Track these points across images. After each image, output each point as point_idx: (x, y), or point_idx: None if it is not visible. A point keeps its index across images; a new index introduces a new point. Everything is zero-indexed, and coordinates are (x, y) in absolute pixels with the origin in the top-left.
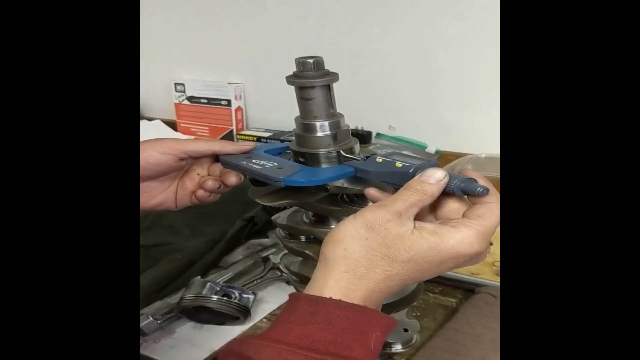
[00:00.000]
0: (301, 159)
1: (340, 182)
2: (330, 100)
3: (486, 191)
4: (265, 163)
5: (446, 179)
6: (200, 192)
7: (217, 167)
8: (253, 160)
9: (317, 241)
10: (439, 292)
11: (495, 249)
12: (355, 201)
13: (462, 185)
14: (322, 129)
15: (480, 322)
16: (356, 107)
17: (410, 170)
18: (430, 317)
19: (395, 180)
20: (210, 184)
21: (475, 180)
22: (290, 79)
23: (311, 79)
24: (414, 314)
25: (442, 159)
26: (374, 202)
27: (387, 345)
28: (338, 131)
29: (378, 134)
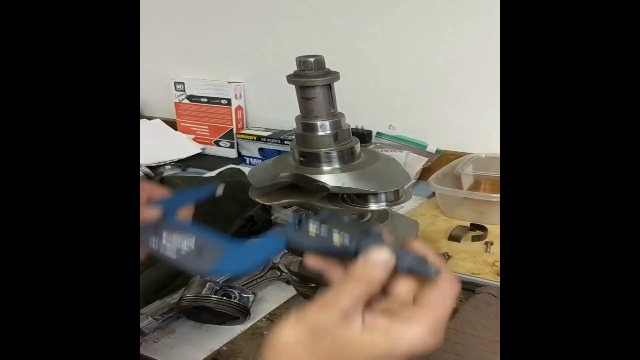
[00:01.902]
0: (302, 159)
1: (341, 182)
2: (331, 100)
3: (438, 273)
4: (178, 242)
5: (393, 260)
6: None
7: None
8: (164, 236)
9: None
10: None
11: (496, 249)
12: (355, 201)
13: (413, 265)
14: (323, 128)
15: (480, 322)
16: (356, 106)
17: (353, 251)
18: None
19: (334, 256)
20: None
21: (426, 260)
22: (291, 78)
23: (312, 78)
24: None
25: (442, 158)
26: (313, 272)
27: None
28: (339, 131)
29: (378, 133)
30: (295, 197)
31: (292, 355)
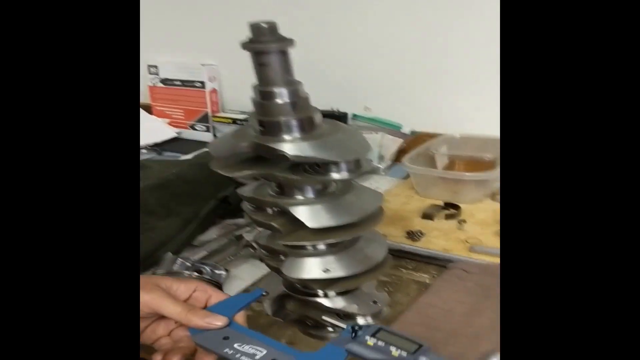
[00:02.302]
0: (261, 128)
1: (301, 151)
2: (286, 67)
3: None
4: (251, 352)
5: None
6: (158, 358)
7: (181, 332)
8: (235, 346)
9: (283, 213)
10: (412, 268)
11: (469, 227)
12: (317, 170)
13: None
14: (280, 96)
15: (452, 297)
16: (332, 88)
17: None
18: (404, 292)
19: None
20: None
21: None
22: (244, 44)
23: (266, 44)
24: (387, 289)
25: (417, 139)
26: None
27: (354, 316)
28: (297, 99)
29: (354, 115)
30: (257, 168)
31: None
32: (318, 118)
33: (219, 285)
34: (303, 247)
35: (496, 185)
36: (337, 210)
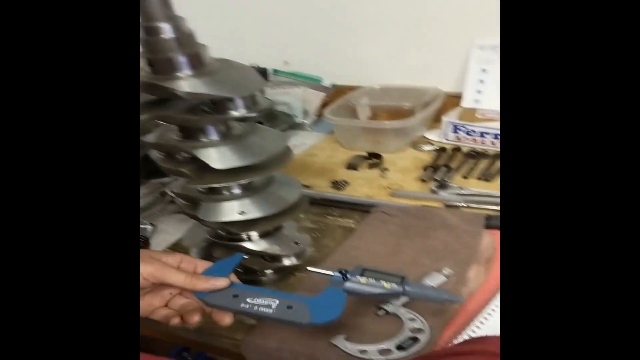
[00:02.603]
0: (150, 67)
1: (193, 88)
2: (166, 2)
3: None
4: (265, 303)
5: None
6: (175, 321)
7: (179, 300)
8: (248, 300)
9: (192, 160)
10: (338, 214)
11: (391, 174)
12: (214, 109)
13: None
14: (164, 31)
15: (375, 239)
16: (249, 43)
17: (401, 292)
18: (330, 237)
19: (384, 297)
20: (197, 319)
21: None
22: None
23: None
24: (314, 235)
25: (338, 92)
26: None
27: (280, 258)
28: (182, 35)
29: (275, 71)
30: (155, 110)
31: None
32: (206, 55)
33: (146, 240)
34: (218, 192)
35: (416, 133)
36: (243, 151)
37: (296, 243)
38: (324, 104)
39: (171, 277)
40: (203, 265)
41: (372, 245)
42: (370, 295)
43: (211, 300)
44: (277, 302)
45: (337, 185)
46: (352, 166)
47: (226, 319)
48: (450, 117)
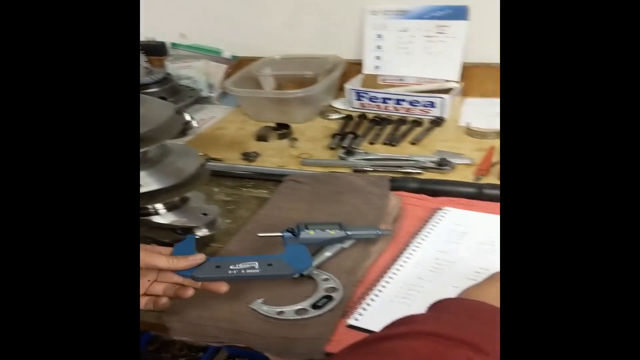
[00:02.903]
0: None
1: None
2: None
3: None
4: (248, 266)
5: None
6: (163, 300)
7: (169, 274)
8: (232, 267)
9: None
10: (252, 186)
11: (300, 144)
12: None
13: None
14: None
15: (288, 205)
16: (143, 16)
17: (345, 237)
18: (245, 208)
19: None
20: (191, 292)
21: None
22: None
23: None
24: (230, 207)
25: (239, 63)
26: None
27: (192, 230)
28: None
29: (173, 44)
30: None
31: None
32: None
33: None
34: None
35: (322, 102)
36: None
37: (204, 214)
38: (228, 76)
39: (156, 260)
40: (166, 250)
41: (285, 212)
42: (324, 241)
43: (199, 274)
44: (257, 263)
45: (248, 157)
46: (261, 137)
47: (222, 288)
48: (352, 85)
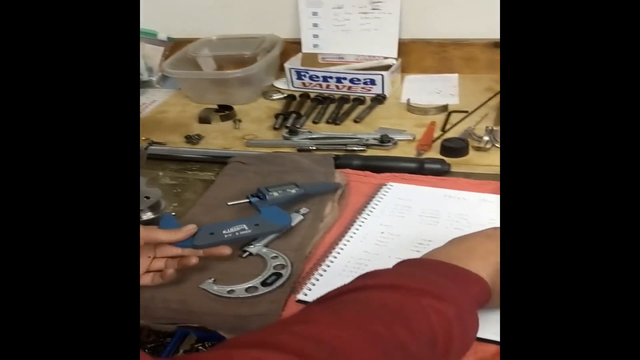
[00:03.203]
0: None
1: None
2: None
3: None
4: (239, 228)
5: None
6: (170, 271)
7: (167, 248)
8: (224, 232)
9: None
10: (197, 168)
11: (245, 125)
12: None
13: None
14: None
15: (234, 187)
16: None
17: (305, 193)
18: (191, 191)
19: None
20: (195, 261)
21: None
22: None
23: None
24: (176, 191)
25: (176, 45)
26: None
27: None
28: None
29: None
30: None
31: None
32: None
33: None
34: None
35: (263, 83)
36: None
37: (147, 197)
38: (166, 59)
39: (156, 234)
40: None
41: (230, 193)
42: (290, 199)
43: (199, 242)
44: (245, 225)
45: (191, 139)
46: (204, 120)
47: (226, 250)
48: (292, 64)
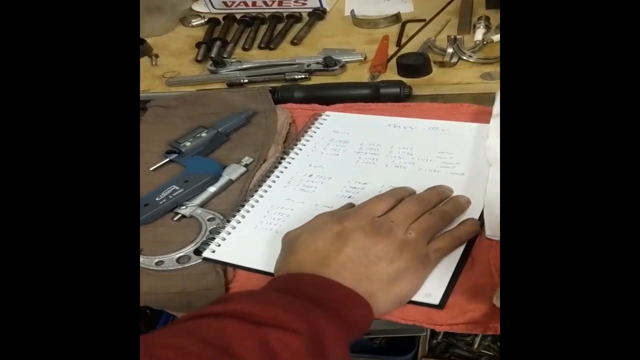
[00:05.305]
0: None
1: None
2: None
3: None
4: (170, 191)
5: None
6: None
7: None
8: (157, 200)
9: None
10: None
11: (164, 60)
12: None
13: None
14: None
15: (161, 137)
16: None
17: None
18: None
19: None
20: None
21: None
22: None
23: None
24: None
25: None
26: None
27: None
28: None
29: None
30: None
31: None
32: None
33: None
34: None
35: (180, 8)
36: None
37: None
38: None
39: None
40: None
41: (158, 145)
42: (206, 143)
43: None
44: (174, 185)
45: None
46: None
47: None
48: None
